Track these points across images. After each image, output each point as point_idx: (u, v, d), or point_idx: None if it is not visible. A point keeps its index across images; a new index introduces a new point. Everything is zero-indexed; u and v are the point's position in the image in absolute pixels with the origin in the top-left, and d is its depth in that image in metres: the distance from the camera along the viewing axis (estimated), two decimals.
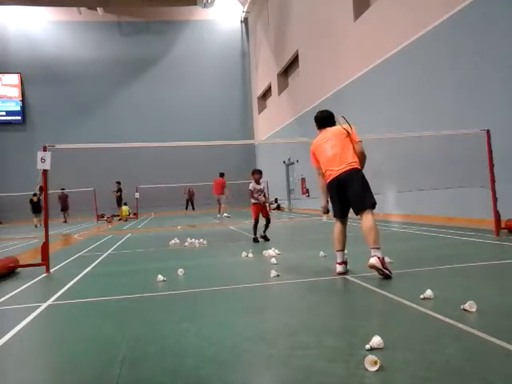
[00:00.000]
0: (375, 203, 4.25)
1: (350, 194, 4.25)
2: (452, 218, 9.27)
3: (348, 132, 4.36)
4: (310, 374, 2.02)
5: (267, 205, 8.22)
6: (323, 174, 4.49)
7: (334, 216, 4.50)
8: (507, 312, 2.80)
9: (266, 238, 7.93)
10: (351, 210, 4.41)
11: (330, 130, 4.54)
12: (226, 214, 16.84)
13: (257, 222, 8.00)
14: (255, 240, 7.83)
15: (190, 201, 22.23)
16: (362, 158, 4.39)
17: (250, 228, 11.32)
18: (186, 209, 22.21)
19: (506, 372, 1.93)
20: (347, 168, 4.25)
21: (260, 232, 7.89)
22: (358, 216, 4.28)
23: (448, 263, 4.63)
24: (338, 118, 4.55)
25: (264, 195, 8.05)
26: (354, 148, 4.35)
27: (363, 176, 4.29)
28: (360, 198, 4.22)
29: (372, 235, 4.04)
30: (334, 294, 3.79)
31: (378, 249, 4.00)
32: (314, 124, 4.78)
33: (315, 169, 4.68)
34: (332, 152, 4.36)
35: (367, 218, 4.14)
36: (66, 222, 20.33)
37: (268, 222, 8.06)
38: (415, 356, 2.14)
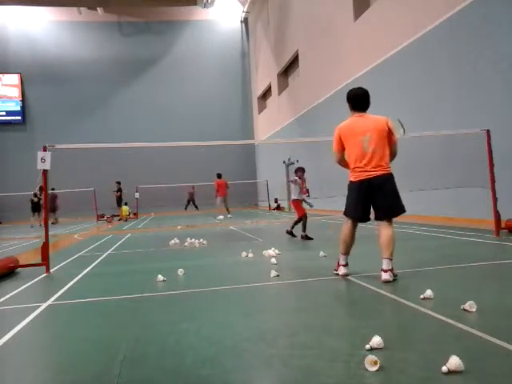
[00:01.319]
0: (404, 211, 4.03)
1: (380, 199, 3.98)
2: (452, 218, 9.27)
3: (392, 131, 3.99)
4: (309, 374, 2.02)
5: (303, 202, 8.21)
6: (351, 169, 4.10)
7: (349, 215, 4.19)
8: (507, 312, 2.80)
9: (292, 235, 8.05)
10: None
11: (370, 118, 4.07)
12: (230, 215, 16.51)
13: (305, 217, 7.90)
14: (307, 237, 7.74)
15: (192, 200, 22.20)
16: (392, 159, 4.11)
17: (250, 228, 11.35)
18: (186, 208, 22.19)
19: (506, 372, 1.93)
20: (383, 172, 3.95)
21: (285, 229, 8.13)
22: (377, 221, 4.08)
23: (448, 263, 4.63)
24: (393, 120, 4.08)
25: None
26: (390, 149, 4.04)
27: (395, 182, 4.03)
28: (392, 206, 4.00)
29: (391, 247, 3.90)
30: (334, 294, 3.79)
31: (391, 260, 3.90)
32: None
33: (335, 154, 4.22)
34: (370, 149, 3.94)
35: (389, 229, 3.96)
36: (57, 222, 19.96)
37: (300, 220, 8.01)
38: (415, 356, 2.15)
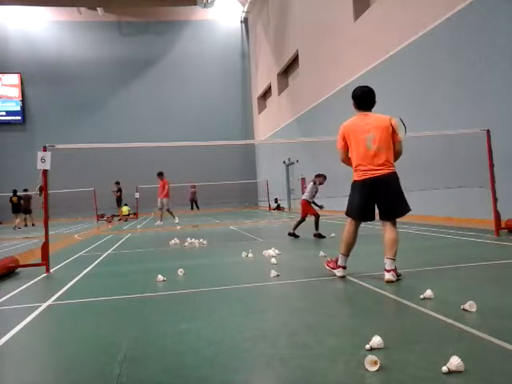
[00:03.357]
0: (409, 210, 4.01)
1: (385, 199, 3.94)
2: (452, 218, 9.27)
3: (394, 128, 3.94)
4: (309, 374, 2.02)
5: (313, 205, 8.40)
6: (354, 169, 4.07)
7: (351, 215, 4.13)
8: (507, 312, 2.80)
9: (320, 236, 7.96)
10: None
11: (373, 116, 4.03)
12: (159, 222, 14.35)
13: (317, 217, 8.11)
14: (294, 235, 8.01)
15: (194, 200, 22.14)
16: (397, 158, 4.07)
17: (250, 228, 11.35)
18: (192, 208, 22.15)
19: (506, 372, 1.93)
20: (387, 171, 3.92)
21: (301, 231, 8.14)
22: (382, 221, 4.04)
23: (448, 263, 4.63)
24: (395, 118, 4.00)
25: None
26: (394, 147, 3.99)
27: (399, 182, 3.99)
28: (397, 206, 3.96)
29: (395, 248, 3.88)
30: (334, 294, 3.78)
31: (395, 260, 3.89)
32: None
33: (339, 152, 4.21)
34: (374, 147, 3.91)
35: (393, 230, 3.94)
36: (33, 224, 19.33)
37: (302, 221, 8.23)
38: (415, 356, 2.14)
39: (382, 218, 4.03)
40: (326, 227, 9.04)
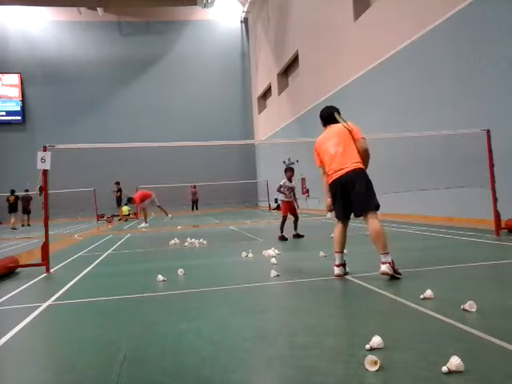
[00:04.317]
0: (379, 206, 4.12)
1: (352, 195, 4.12)
2: (452, 218, 9.27)
3: (349, 130, 4.21)
4: (310, 374, 2.02)
5: (295, 203, 8.15)
6: (327, 173, 4.35)
7: (336, 217, 4.40)
8: (507, 312, 2.80)
9: (298, 236, 7.93)
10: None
11: (334, 127, 4.37)
12: (144, 224, 14.42)
13: (285, 219, 7.93)
14: (282, 238, 7.76)
15: (194, 201, 22.08)
16: (365, 155, 4.22)
17: (250, 228, 11.35)
18: (192, 209, 22.12)
19: (506, 372, 1.93)
20: (350, 168, 4.11)
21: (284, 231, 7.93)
22: (362, 218, 4.18)
23: (448, 263, 4.63)
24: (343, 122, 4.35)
25: (294, 194, 8.05)
26: (356, 146, 4.22)
27: (367, 176, 4.16)
28: (363, 200, 4.10)
29: (381, 240, 3.95)
30: (334, 294, 3.79)
31: (388, 253, 3.93)
32: (317, 122, 4.71)
33: (319, 168, 4.53)
34: (335, 150, 4.21)
35: (373, 223, 4.02)
36: (29, 225, 19.45)
37: (296, 219, 8.07)
38: (415, 356, 2.14)
39: (355, 214, 4.22)
40: (326, 227, 9.05)
